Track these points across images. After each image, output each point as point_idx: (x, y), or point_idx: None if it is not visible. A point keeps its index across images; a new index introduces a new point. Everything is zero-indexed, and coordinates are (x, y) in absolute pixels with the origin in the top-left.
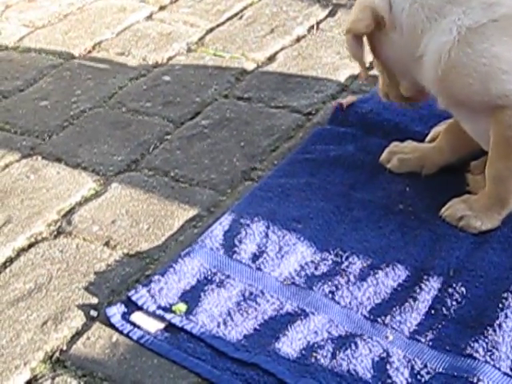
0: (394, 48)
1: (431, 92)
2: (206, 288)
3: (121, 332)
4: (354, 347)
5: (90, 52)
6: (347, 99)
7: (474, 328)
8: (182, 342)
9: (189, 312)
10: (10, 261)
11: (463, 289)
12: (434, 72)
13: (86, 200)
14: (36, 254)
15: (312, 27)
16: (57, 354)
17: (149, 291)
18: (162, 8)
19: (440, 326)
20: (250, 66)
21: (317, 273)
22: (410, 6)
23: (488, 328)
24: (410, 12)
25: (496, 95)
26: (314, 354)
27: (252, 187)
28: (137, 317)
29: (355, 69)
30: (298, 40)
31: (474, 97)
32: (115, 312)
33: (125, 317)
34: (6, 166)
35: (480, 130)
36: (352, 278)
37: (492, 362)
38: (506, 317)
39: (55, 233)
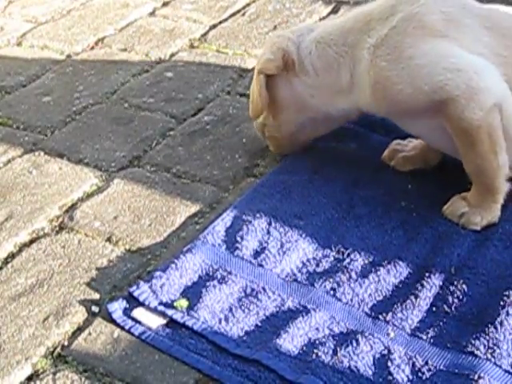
0: (305, 88)
1: (372, 112)
2: (207, 284)
3: (122, 328)
4: (355, 344)
5: (92, 48)
6: None
7: (476, 325)
8: (184, 337)
9: (190, 308)
10: (12, 256)
11: (464, 286)
12: (368, 95)
13: (88, 196)
14: (38, 249)
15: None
16: (58, 349)
17: (150, 287)
18: (164, 4)
19: (441, 324)
20: (252, 62)
21: (318, 269)
22: (316, 47)
23: (489, 325)
24: (319, 53)
25: (430, 91)
26: (316, 351)
27: (254, 184)
28: (138, 312)
29: None
30: None
31: (412, 101)
32: (117, 308)
33: (126, 312)
34: (9, 161)
35: (436, 137)
36: (353, 275)
37: (493, 360)
38: (508, 314)
39: (57, 228)
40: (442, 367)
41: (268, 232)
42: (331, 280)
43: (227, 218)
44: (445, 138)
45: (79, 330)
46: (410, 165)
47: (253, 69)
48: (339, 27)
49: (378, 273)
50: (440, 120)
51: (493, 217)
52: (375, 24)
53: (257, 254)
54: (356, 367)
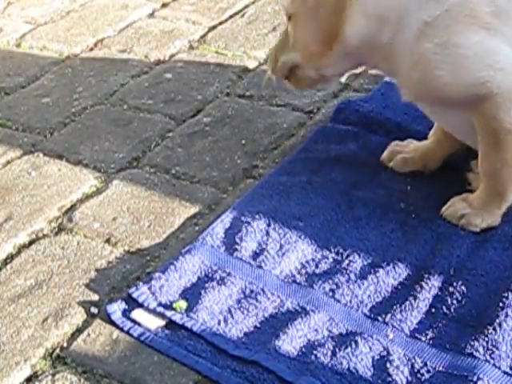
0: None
1: (400, 85)
2: (206, 285)
3: (121, 329)
4: (354, 345)
5: (91, 49)
6: None
7: (475, 327)
8: (183, 339)
9: (189, 309)
10: (11, 257)
11: (464, 288)
12: (403, 72)
13: (87, 197)
14: (37, 250)
15: None
16: (57, 350)
17: (149, 288)
18: (164, 5)
19: (440, 325)
20: (251, 63)
21: (317, 271)
22: None
23: (488, 327)
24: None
25: (470, 84)
26: (315, 352)
27: (253, 185)
28: (137, 314)
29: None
30: None
31: (447, 91)
32: (116, 309)
33: (125, 314)
34: (8, 162)
35: (463, 129)
36: (353, 277)
37: (492, 361)
38: (507, 316)
39: (56, 229)
40: (440, 368)
41: (267, 233)
42: (330, 281)
43: (226, 219)
44: (471, 132)
45: (78, 331)
46: (408, 166)
47: (252, 70)
48: None
49: (377, 274)
50: (470, 114)
51: (493, 221)
52: None
53: (256, 255)
54: (355, 368)
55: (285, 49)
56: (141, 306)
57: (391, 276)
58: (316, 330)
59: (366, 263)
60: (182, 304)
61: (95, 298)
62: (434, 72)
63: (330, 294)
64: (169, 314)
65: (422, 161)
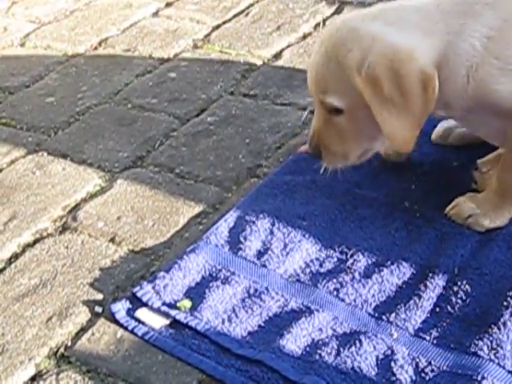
0: None
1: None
2: (210, 284)
3: (125, 328)
4: (358, 344)
5: (96, 48)
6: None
7: (479, 326)
8: (187, 338)
9: (193, 308)
10: (16, 256)
11: (468, 287)
12: (462, 90)
13: (92, 196)
14: (41, 249)
15: (318, 24)
16: (61, 349)
17: (154, 287)
18: (168, 4)
19: (444, 324)
20: (256, 62)
21: (322, 270)
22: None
23: (492, 326)
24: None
25: None
26: (319, 351)
27: (257, 184)
28: (141, 313)
29: None
30: (304, 37)
31: (503, 103)
32: (120, 308)
33: (129, 313)
34: (12, 161)
35: (494, 131)
36: (357, 276)
37: (496, 361)
38: (511, 315)
39: (60, 229)
40: (445, 368)
41: (271, 232)
42: (334, 280)
43: (230, 218)
44: (501, 137)
45: (82, 330)
46: (466, 140)
47: (256, 69)
48: (436, 15)
49: (382, 273)
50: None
51: (502, 222)
52: (481, 9)
53: (260, 254)
54: (359, 368)
55: (338, 140)
56: (145, 305)
57: (395, 275)
58: (320, 329)
59: (370, 262)
60: (187, 303)
61: (99, 297)
62: (499, 87)
63: (335, 293)
64: (173, 313)
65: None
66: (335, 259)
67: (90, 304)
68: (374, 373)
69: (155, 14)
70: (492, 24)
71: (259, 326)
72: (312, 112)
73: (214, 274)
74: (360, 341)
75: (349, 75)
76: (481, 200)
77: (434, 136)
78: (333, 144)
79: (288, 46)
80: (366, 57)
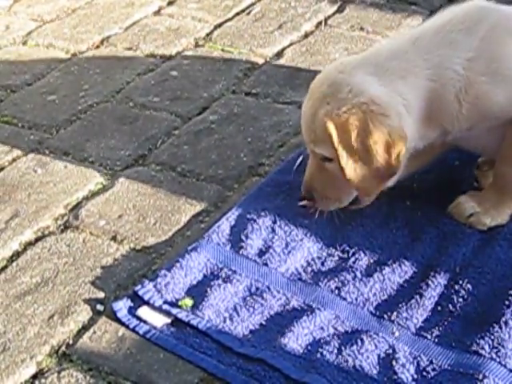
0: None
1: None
2: (212, 283)
3: (127, 326)
4: (359, 343)
5: (98, 47)
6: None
7: (480, 325)
8: (188, 336)
9: (195, 307)
10: (17, 255)
11: (469, 286)
12: (458, 111)
13: (93, 194)
14: (43, 248)
15: (320, 23)
16: (63, 348)
17: (155, 286)
18: (170, 3)
19: (446, 323)
20: (257, 61)
21: (323, 269)
22: (403, 81)
23: (494, 325)
24: (408, 87)
25: None
26: (320, 350)
27: (259, 183)
28: (143, 311)
29: None
30: (306, 36)
31: (502, 113)
32: (121, 306)
33: (131, 311)
34: (14, 160)
35: (492, 144)
36: (358, 274)
37: (498, 359)
38: None
39: (62, 227)
40: (446, 366)
41: (273, 231)
42: (336, 279)
43: (232, 216)
44: (494, 145)
45: (84, 328)
46: None
47: (258, 67)
48: (413, 54)
49: (383, 272)
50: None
51: (503, 219)
52: (455, 35)
53: (261, 252)
54: (361, 366)
55: (331, 186)
56: (146, 303)
57: (397, 274)
58: (322, 328)
59: (371, 261)
60: (188, 301)
61: (101, 295)
62: (493, 99)
63: (336, 291)
64: (174, 311)
65: None
66: (337, 258)
67: (91, 302)
68: (375, 371)
69: (157, 13)
70: (469, 46)
71: (261, 324)
72: None
73: (216, 273)
74: (361, 339)
75: (325, 125)
76: (481, 198)
77: None
78: (325, 190)
79: (290, 45)
80: (341, 107)
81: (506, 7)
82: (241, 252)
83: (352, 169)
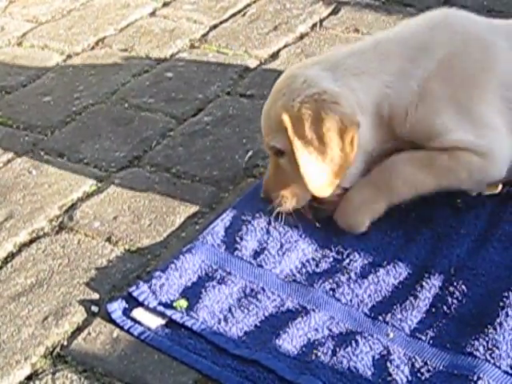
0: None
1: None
2: (206, 284)
3: (121, 328)
4: (354, 344)
5: (93, 48)
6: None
7: (475, 326)
8: (183, 338)
9: (190, 308)
10: (12, 256)
11: (464, 287)
12: (408, 123)
13: (88, 196)
14: (37, 249)
15: (315, 25)
16: (57, 349)
17: (150, 287)
18: (165, 4)
19: (441, 324)
20: (252, 63)
21: (318, 270)
22: (358, 82)
23: (488, 326)
24: (364, 88)
25: (474, 139)
26: (315, 351)
27: (254, 184)
28: (138, 313)
29: None
30: (301, 37)
31: (442, 137)
32: (116, 308)
33: (126, 312)
34: (9, 161)
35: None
36: (353, 276)
37: (492, 361)
38: (507, 315)
39: (57, 228)
40: (441, 368)
41: (267, 232)
42: (330, 280)
43: (227, 218)
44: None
45: (78, 329)
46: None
47: (253, 69)
48: (372, 55)
49: (378, 273)
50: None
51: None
52: (416, 53)
53: (256, 254)
54: (355, 368)
55: (285, 183)
56: (141, 304)
57: (391, 275)
58: (316, 329)
59: (366, 262)
60: (183, 303)
61: (96, 296)
62: (441, 122)
63: (331, 293)
64: (169, 312)
65: None
66: (331, 259)
67: (86, 303)
68: (370, 373)
69: (152, 14)
70: (427, 66)
71: (255, 325)
72: None
73: (210, 274)
74: (356, 341)
75: (280, 117)
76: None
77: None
78: (281, 188)
79: (285, 46)
80: (295, 98)
81: (481, 19)
82: (235, 253)
83: (306, 160)
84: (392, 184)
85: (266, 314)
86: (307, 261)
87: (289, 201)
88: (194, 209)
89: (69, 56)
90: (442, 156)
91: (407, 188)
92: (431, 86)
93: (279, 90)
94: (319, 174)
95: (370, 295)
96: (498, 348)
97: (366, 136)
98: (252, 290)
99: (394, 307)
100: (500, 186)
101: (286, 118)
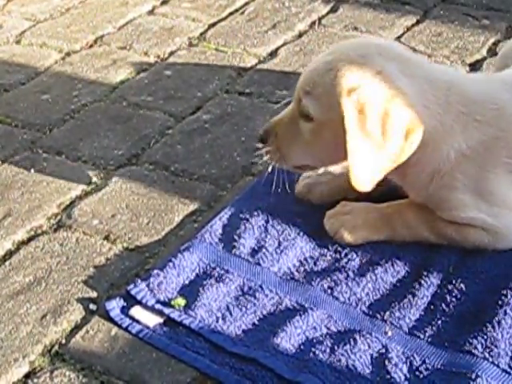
0: None
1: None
2: (204, 283)
3: (120, 326)
4: (352, 343)
5: (91, 46)
6: None
7: (473, 324)
8: (181, 336)
9: (188, 306)
10: (10, 254)
11: (462, 285)
12: (423, 187)
13: (87, 194)
14: (36, 247)
15: (314, 23)
16: (56, 347)
17: (148, 285)
18: (164, 2)
19: (439, 323)
20: (251, 61)
21: (316, 268)
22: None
23: (487, 325)
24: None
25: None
26: (313, 350)
27: (252, 182)
28: (136, 311)
29: None
30: (300, 36)
31: (454, 212)
32: (114, 306)
33: (124, 311)
34: (7, 159)
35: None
36: (351, 274)
37: (491, 359)
38: (505, 314)
39: (55, 226)
40: (439, 366)
41: (266, 230)
42: (329, 279)
43: (225, 216)
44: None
45: (77, 327)
46: (328, 198)
47: (252, 67)
48: (442, 88)
49: (376, 271)
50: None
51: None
52: (472, 123)
53: (254, 252)
54: (353, 366)
55: (290, 142)
56: (139, 303)
57: (390, 273)
58: (314, 328)
59: (364, 260)
60: (181, 301)
61: (94, 294)
62: (460, 201)
63: (329, 291)
64: (167, 311)
65: (343, 192)
66: (329, 257)
67: (84, 302)
68: (368, 371)
69: (151, 12)
70: (471, 144)
71: (253, 324)
72: None
73: (208, 272)
74: (354, 339)
75: (339, 92)
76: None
77: (296, 191)
78: (283, 141)
79: (284, 45)
80: (364, 84)
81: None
82: (233, 251)
83: (360, 151)
84: (397, 229)
85: (264, 312)
86: (305, 259)
87: (279, 157)
88: (192, 207)
89: (67, 54)
90: (449, 226)
91: (411, 238)
92: (465, 166)
93: (350, 61)
94: (368, 167)
95: (368, 293)
96: (496, 346)
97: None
98: (250, 288)
99: (393, 305)
100: None
101: (347, 103)
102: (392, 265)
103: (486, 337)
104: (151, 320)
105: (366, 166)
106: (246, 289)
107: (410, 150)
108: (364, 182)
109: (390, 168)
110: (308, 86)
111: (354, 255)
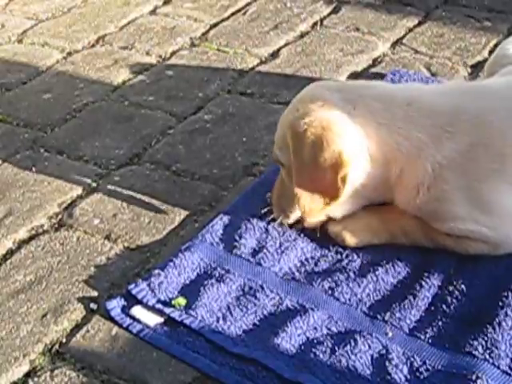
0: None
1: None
2: (205, 282)
3: (120, 325)
4: (353, 343)
5: (93, 46)
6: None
7: (474, 326)
8: (182, 336)
9: (188, 306)
10: (11, 253)
11: (463, 286)
12: (412, 199)
13: (88, 193)
14: (37, 246)
15: (316, 24)
16: (56, 346)
17: (149, 285)
18: (166, 2)
19: (440, 324)
20: (253, 61)
21: (317, 269)
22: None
23: (488, 326)
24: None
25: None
26: (313, 350)
27: (253, 182)
28: (136, 310)
29: (358, 66)
30: (302, 36)
31: (451, 223)
32: (115, 305)
33: (124, 310)
34: (8, 158)
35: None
36: (352, 275)
37: (491, 360)
38: (506, 315)
39: (56, 225)
40: (439, 367)
41: (266, 231)
42: (329, 279)
43: (226, 216)
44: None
45: (77, 327)
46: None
47: (254, 67)
48: (398, 106)
49: (377, 272)
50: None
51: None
52: (442, 135)
53: (255, 252)
54: (354, 366)
55: (281, 194)
56: (140, 302)
57: (390, 274)
58: (315, 328)
59: (365, 261)
60: (181, 301)
61: (94, 294)
62: (452, 209)
63: (330, 292)
64: (168, 310)
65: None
66: (330, 258)
67: (84, 301)
68: (368, 372)
69: (153, 12)
70: (447, 154)
71: (254, 324)
72: None
73: (209, 272)
74: (355, 340)
75: (287, 129)
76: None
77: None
78: (278, 197)
79: (285, 45)
80: (305, 117)
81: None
82: (234, 251)
83: (300, 182)
84: (397, 235)
85: (265, 312)
86: (306, 259)
87: (280, 213)
88: (193, 207)
89: (69, 53)
90: (448, 239)
91: (410, 244)
92: (446, 175)
93: (296, 103)
94: (310, 197)
95: (368, 294)
96: (496, 347)
97: (369, 185)
98: (251, 288)
99: (393, 306)
100: None
101: (289, 134)
102: (393, 266)
103: (486, 338)
104: (152, 319)
105: (307, 197)
106: (246, 289)
107: (343, 185)
108: (309, 211)
109: (332, 202)
110: (276, 139)
111: (355, 256)
